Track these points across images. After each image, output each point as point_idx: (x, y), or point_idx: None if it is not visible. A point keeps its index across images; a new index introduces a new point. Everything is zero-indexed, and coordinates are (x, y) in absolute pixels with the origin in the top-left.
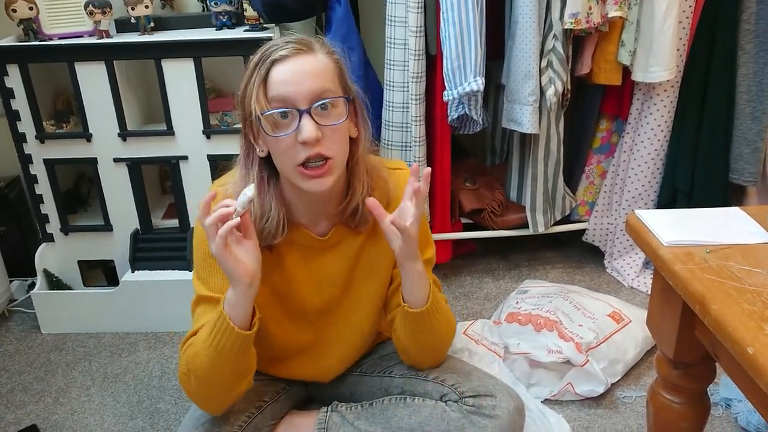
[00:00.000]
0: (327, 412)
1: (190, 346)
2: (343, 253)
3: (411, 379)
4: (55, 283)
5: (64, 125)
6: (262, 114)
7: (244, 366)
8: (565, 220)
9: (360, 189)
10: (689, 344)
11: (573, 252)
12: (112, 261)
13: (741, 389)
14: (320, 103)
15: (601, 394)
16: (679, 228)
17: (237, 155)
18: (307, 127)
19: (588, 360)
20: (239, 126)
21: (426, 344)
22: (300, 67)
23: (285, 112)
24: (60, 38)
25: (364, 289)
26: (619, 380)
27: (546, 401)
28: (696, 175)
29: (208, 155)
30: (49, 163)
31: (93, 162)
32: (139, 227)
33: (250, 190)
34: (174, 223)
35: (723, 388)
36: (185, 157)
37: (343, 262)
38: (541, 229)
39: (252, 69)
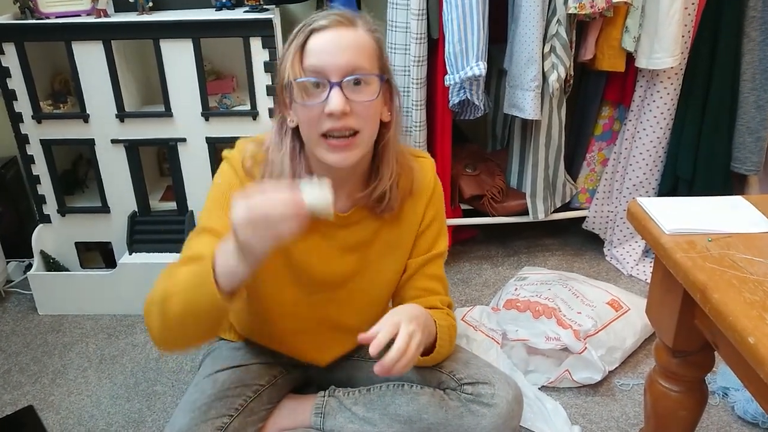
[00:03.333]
0: (324, 396)
1: (168, 278)
2: (359, 231)
3: None
4: (52, 264)
5: (62, 105)
6: (294, 80)
7: (212, 331)
8: (566, 207)
9: (388, 174)
10: (689, 333)
11: (572, 239)
12: (110, 243)
13: (740, 378)
14: (353, 77)
15: (598, 382)
16: (681, 216)
17: (235, 138)
18: (335, 99)
19: (586, 347)
20: (238, 109)
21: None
22: (338, 40)
23: (317, 81)
24: (57, 17)
25: (376, 270)
26: (616, 368)
27: (543, 388)
28: (698, 164)
29: (206, 138)
30: (46, 144)
31: (90, 143)
32: (136, 209)
33: (328, 193)
34: (172, 205)
35: (721, 377)
36: (183, 140)
37: (358, 240)
38: (541, 216)
39: (291, 37)
